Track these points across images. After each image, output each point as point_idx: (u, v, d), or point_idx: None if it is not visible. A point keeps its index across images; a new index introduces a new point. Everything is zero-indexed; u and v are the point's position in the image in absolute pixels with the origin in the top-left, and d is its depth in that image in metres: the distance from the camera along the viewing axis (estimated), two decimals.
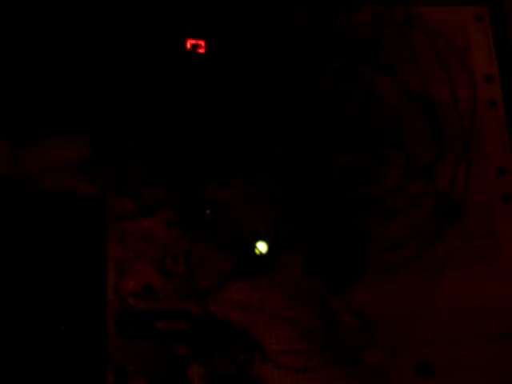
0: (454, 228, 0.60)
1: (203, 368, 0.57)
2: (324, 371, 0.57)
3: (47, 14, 0.57)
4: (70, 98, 0.55)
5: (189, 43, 0.56)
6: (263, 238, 0.56)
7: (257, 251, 0.56)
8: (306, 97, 0.57)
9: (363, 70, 0.60)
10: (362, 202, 0.59)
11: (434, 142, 0.61)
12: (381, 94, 0.60)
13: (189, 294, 0.58)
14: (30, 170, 0.53)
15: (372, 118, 0.59)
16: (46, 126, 0.54)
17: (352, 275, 0.58)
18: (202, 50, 0.56)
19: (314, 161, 0.57)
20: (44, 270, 0.59)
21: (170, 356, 0.57)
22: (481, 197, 0.62)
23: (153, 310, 0.58)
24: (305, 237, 0.57)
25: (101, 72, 0.56)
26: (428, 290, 0.59)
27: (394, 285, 0.59)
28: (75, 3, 0.57)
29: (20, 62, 0.55)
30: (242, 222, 0.56)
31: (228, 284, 0.58)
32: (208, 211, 0.54)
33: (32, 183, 0.56)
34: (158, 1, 0.57)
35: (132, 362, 0.57)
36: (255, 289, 0.58)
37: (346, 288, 0.58)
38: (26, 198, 0.57)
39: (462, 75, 0.65)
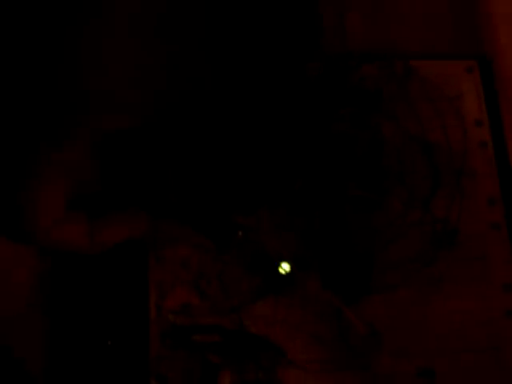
0: (449, 252, 0.69)
1: (234, 375, 0.66)
2: (339, 376, 0.66)
3: None
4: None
5: None
6: (286, 259, 0.65)
7: (281, 270, 0.65)
8: (321, 141, 0.67)
9: (369, 117, 0.70)
10: (370, 229, 0.68)
11: (431, 177, 0.70)
12: (385, 136, 0.70)
13: (221, 311, 0.67)
14: (103, 243, 0.56)
15: (378, 158, 0.69)
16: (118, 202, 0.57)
17: (362, 292, 0.67)
18: None
19: (328, 194, 0.67)
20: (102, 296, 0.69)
21: (205, 364, 0.66)
22: (473, 225, 0.71)
23: (190, 325, 0.67)
24: (322, 260, 0.66)
25: None
26: (427, 305, 0.68)
27: (398, 301, 0.68)
28: None
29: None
30: (268, 245, 0.65)
31: (256, 301, 0.67)
32: (240, 232, 0.64)
33: None
34: None
35: (172, 370, 0.66)
36: (279, 305, 0.67)
37: (356, 303, 0.67)
38: None
39: (455, 120, 0.75)
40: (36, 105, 0.50)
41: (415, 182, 0.69)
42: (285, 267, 0.65)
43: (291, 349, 0.66)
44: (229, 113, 0.61)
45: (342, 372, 0.66)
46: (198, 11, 0.61)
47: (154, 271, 0.69)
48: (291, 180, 0.66)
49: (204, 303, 0.67)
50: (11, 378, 0.65)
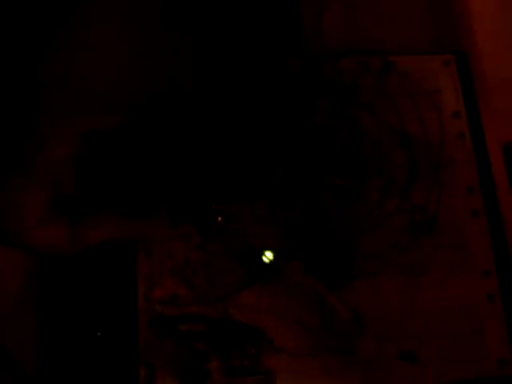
0: (429, 239, 0.71)
1: (220, 362, 0.67)
2: (324, 361, 0.67)
3: None
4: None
5: None
6: (269, 248, 0.67)
7: (265, 259, 0.67)
8: (301, 132, 0.69)
9: (348, 110, 0.72)
10: (350, 218, 0.70)
11: (409, 168, 0.72)
12: (364, 129, 0.72)
13: (207, 300, 0.69)
14: (85, 245, 0.57)
15: (356, 149, 0.71)
16: (101, 204, 0.57)
17: (344, 278, 0.68)
18: None
19: (308, 185, 0.68)
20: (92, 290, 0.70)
21: (192, 353, 0.67)
22: (452, 213, 0.73)
23: (177, 315, 0.69)
24: (304, 248, 0.68)
25: None
26: (409, 292, 0.70)
27: (381, 286, 0.70)
28: None
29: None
30: (251, 234, 0.67)
31: (241, 290, 0.69)
32: (220, 218, 0.65)
33: None
34: None
35: (160, 359, 0.67)
36: (263, 294, 0.68)
37: (339, 289, 0.68)
38: None
39: (433, 113, 0.77)
40: (21, 104, 0.50)
41: (393, 172, 0.71)
42: (268, 255, 0.67)
43: (276, 336, 0.68)
44: (213, 106, 0.63)
45: (327, 357, 0.67)
46: (186, 9, 0.62)
47: (142, 263, 0.71)
48: (272, 171, 0.68)
49: (190, 293, 0.69)
50: (3, 373, 0.67)
